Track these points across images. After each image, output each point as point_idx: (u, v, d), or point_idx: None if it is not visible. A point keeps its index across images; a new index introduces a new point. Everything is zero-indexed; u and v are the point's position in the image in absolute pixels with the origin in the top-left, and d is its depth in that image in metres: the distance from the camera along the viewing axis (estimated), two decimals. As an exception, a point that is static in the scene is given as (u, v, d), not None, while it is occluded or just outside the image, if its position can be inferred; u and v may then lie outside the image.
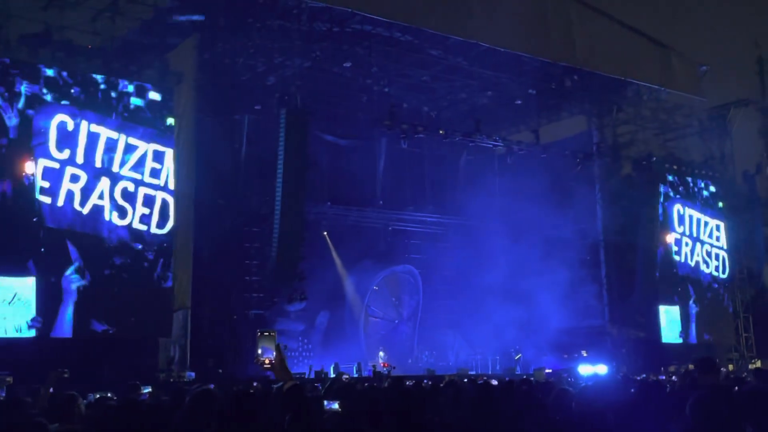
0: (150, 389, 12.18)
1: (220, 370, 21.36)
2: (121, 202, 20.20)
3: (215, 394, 4.72)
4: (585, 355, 29.02)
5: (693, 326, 30.74)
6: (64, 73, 19.64)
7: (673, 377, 17.38)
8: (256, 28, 23.46)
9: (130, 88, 20.44)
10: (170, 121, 21.00)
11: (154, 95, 21.05)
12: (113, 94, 20.39)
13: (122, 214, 20.21)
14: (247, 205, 23.98)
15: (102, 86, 20.11)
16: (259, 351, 3.90)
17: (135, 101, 20.58)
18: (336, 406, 6.41)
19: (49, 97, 19.30)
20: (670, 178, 31.26)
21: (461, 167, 28.26)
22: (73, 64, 19.79)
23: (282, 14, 22.47)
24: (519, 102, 29.09)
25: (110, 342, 19.73)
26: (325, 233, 28.67)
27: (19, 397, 6.99)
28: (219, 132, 22.81)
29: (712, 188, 32.84)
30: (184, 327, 21.55)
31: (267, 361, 3.95)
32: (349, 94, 27.34)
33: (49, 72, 19.30)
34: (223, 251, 22.72)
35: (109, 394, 11.67)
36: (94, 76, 20.12)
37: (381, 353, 26.51)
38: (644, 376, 19.69)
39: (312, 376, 22.13)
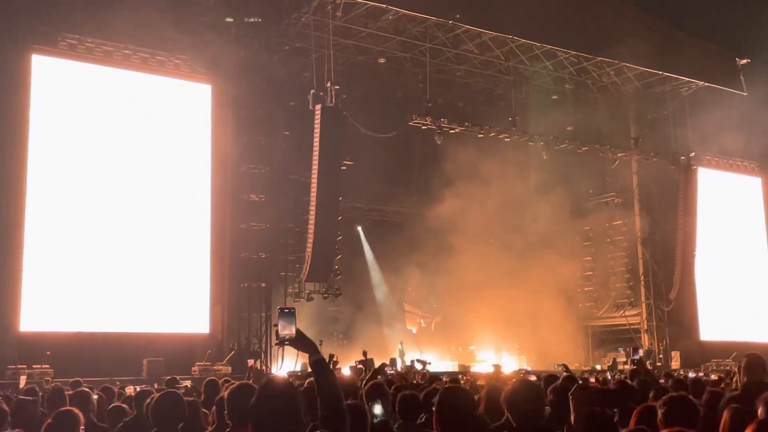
0: (189, 383, 12.27)
1: (257, 366, 21.45)
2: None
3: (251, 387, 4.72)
4: (621, 352, 28.76)
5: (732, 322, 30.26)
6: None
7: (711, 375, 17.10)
8: (290, 25, 23.56)
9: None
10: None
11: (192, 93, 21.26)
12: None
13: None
14: (283, 201, 24.07)
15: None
16: (279, 327, 3.84)
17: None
18: (379, 409, 6.12)
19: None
20: (710, 174, 30.86)
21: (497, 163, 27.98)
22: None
23: (316, 10, 22.53)
24: (555, 97, 28.85)
25: (147, 337, 19.98)
26: (359, 228, 28.72)
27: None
28: (255, 129, 22.93)
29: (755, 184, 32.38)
30: (221, 322, 21.76)
31: (286, 336, 3.85)
32: (383, 89, 27.31)
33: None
34: (261, 247, 22.83)
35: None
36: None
37: (416, 348, 26.45)
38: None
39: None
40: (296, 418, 3.46)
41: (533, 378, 8.94)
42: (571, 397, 4.96)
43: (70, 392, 7.54)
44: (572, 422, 4.92)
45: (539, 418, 4.47)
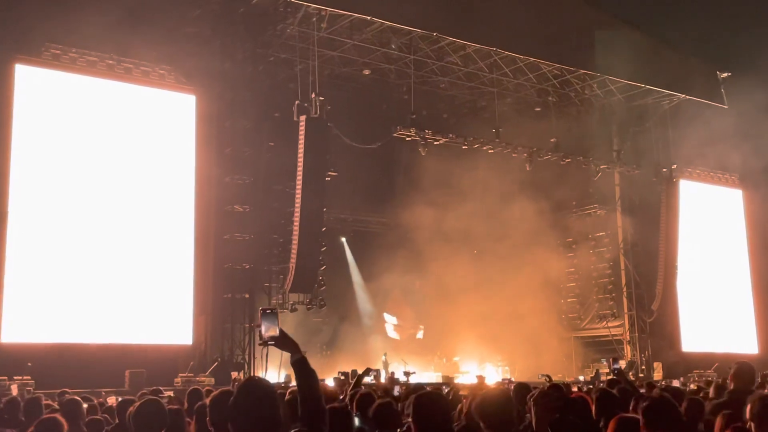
0: (172, 393, 12.24)
1: (241, 377, 21.38)
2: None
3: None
4: (604, 363, 28.84)
5: (714, 333, 30.42)
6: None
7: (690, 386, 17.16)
8: (275, 36, 23.61)
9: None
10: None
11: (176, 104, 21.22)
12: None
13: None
14: (267, 212, 24.06)
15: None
16: (262, 328, 3.85)
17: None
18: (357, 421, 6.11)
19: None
20: (691, 186, 31.09)
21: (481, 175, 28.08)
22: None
23: (301, 21, 22.59)
24: (538, 109, 29.03)
25: (130, 348, 19.87)
26: (343, 239, 28.72)
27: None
28: (240, 139, 22.93)
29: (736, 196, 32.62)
30: (204, 333, 21.68)
31: (269, 337, 3.87)
32: (368, 101, 27.39)
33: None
34: (244, 258, 22.79)
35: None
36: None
37: (399, 359, 26.42)
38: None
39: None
40: (274, 415, 3.50)
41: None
42: (532, 403, 4.98)
43: (48, 401, 7.53)
44: (534, 427, 4.93)
45: (510, 425, 4.50)
